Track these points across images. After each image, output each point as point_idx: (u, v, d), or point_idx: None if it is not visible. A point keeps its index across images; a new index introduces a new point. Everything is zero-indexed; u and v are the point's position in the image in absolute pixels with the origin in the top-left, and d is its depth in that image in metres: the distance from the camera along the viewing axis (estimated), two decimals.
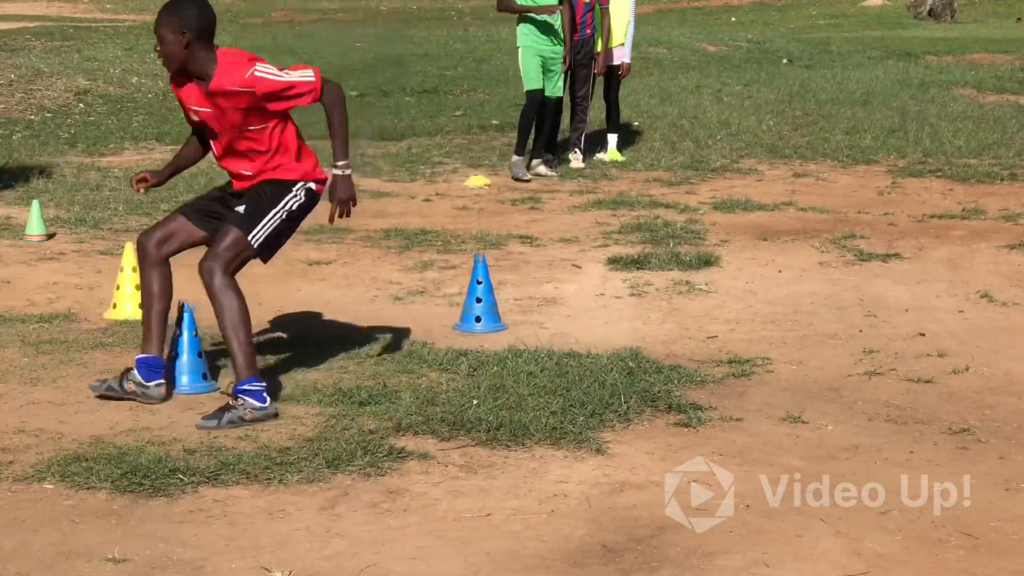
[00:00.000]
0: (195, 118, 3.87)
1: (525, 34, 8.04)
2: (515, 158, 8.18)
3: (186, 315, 4.07)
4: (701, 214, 7.42)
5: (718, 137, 10.02)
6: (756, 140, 9.95)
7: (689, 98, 12.30)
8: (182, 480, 3.21)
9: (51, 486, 3.21)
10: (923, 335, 5.00)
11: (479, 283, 5.04)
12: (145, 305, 3.99)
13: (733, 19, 24.08)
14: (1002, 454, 3.58)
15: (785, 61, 16.12)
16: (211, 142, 3.94)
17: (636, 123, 10.54)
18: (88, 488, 3.18)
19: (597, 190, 8.13)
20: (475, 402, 3.96)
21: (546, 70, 8.06)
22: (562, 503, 3.20)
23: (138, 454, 3.39)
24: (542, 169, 8.18)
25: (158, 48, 3.79)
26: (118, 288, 5.16)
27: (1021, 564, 2.74)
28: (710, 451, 3.56)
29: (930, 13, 22.80)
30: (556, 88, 8.19)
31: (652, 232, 6.84)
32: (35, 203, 6.56)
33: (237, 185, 3.96)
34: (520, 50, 8.13)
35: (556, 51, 8.06)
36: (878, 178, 8.55)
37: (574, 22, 8.20)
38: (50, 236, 6.61)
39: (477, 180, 8.23)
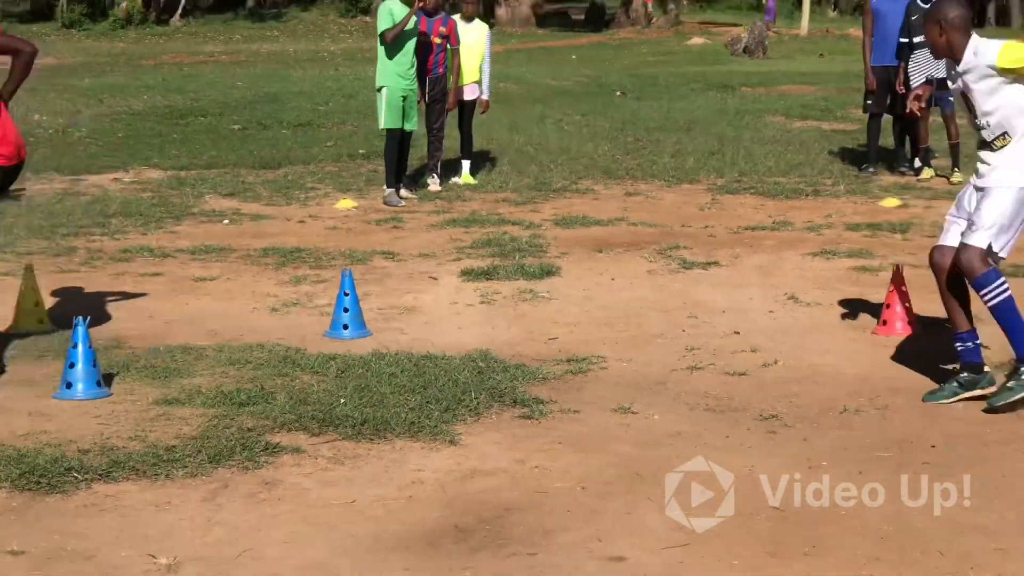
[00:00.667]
0: None
1: (386, 75, 8.44)
2: (388, 190, 8.57)
3: (80, 328, 4.26)
4: (544, 230, 7.88)
5: (559, 162, 10.65)
6: (593, 163, 10.68)
7: (534, 127, 13.21)
8: (76, 478, 3.39)
9: None
10: (738, 333, 5.43)
11: (346, 295, 5.35)
12: None
13: (574, 56, 25.90)
14: (805, 436, 3.96)
15: (619, 94, 17.32)
16: None
17: (488, 150, 11.21)
18: None
19: (452, 210, 8.55)
20: (343, 401, 4.24)
21: (405, 108, 8.50)
22: (419, 490, 3.45)
23: (36, 455, 3.56)
24: (404, 192, 8.69)
25: None
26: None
27: (822, 533, 3.11)
28: (551, 440, 3.91)
29: (745, 50, 24.79)
30: (413, 123, 8.70)
31: (500, 247, 7.26)
32: None
33: None
34: (384, 90, 8.45)
35: (413, 89, 8.60)
36: (699, 195, 9.22)
37: (426, 63, 8.89)
38: None
39: (346, 203, 8.77)
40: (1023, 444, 3.85)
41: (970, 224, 4.11)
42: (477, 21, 9.76)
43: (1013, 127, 4.06)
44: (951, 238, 4.24)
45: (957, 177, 8.87)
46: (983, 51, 4.04)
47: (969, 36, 4.12)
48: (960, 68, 4.12)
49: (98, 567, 2.79)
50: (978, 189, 4.15)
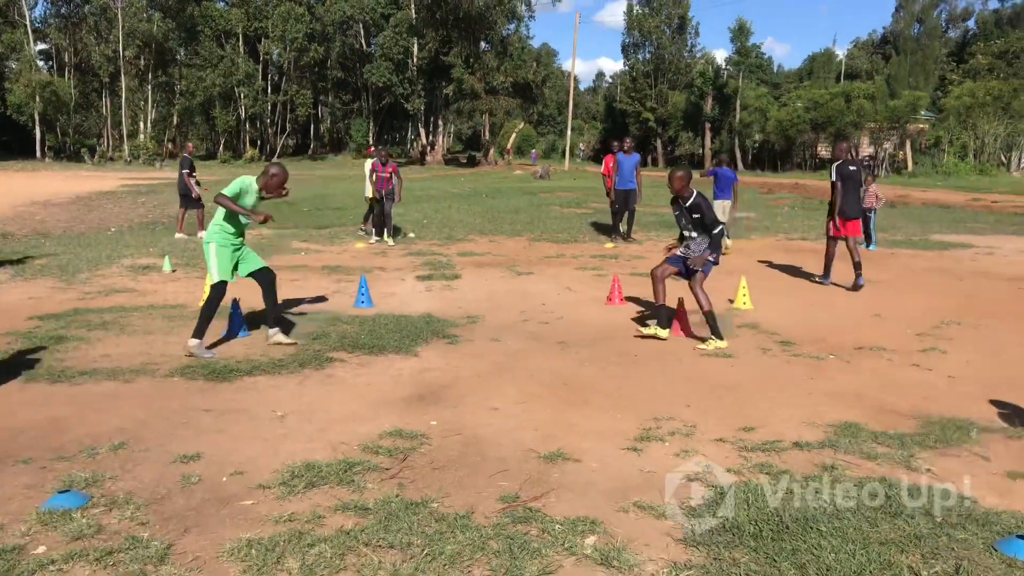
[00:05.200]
0: None
1: (218, 233, 7.55)
2: (193, 342, 7.23)
3: (235, 302, 7.76)
4: (453, 258, 13.13)
5: (457, 226, 18.55)
6: (473, 227, 18.48)
7: (445, 211, 22.55)
8: (235, 374, 6.46)
9: (177, 379, 6.25)
10: (544, 304, 9.63)
11: (363, 287, 9.38)
12: None
13: (462, 179, 44.73)
14: (578, 351, 7.44)
15: (485, 196, 29.57)
16: None
17: (424, 221, 19.60)
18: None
19: (408, 249, 14.15)
20: (362, 337, 7.56)
21: (239, 259, 7.70)
22: (400, 377, 6.53)
23: (216, 363, 6.72)
24: (280, 337, 7.56)
25: None
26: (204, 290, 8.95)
27: (589, 391, 6.17)
28: (461, 354, 7.22)
29: (540, 177, 44.72)
30: (259, 262, 7.84)
31: (433, 265, 12.17)
32: (166, 256, 12.54)
33: None
34: (214, 247, 7.52)
35: (240, 242, 7.69)
36: (523, 242, 16.14)
37: (382, 184, 15.78)
38: (173, 271, 11.95)
39: (359, 245, 15.54)
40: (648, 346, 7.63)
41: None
42: (393, 163, 16.36)
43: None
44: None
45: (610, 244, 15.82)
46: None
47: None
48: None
49: (249, 416, 5.55)
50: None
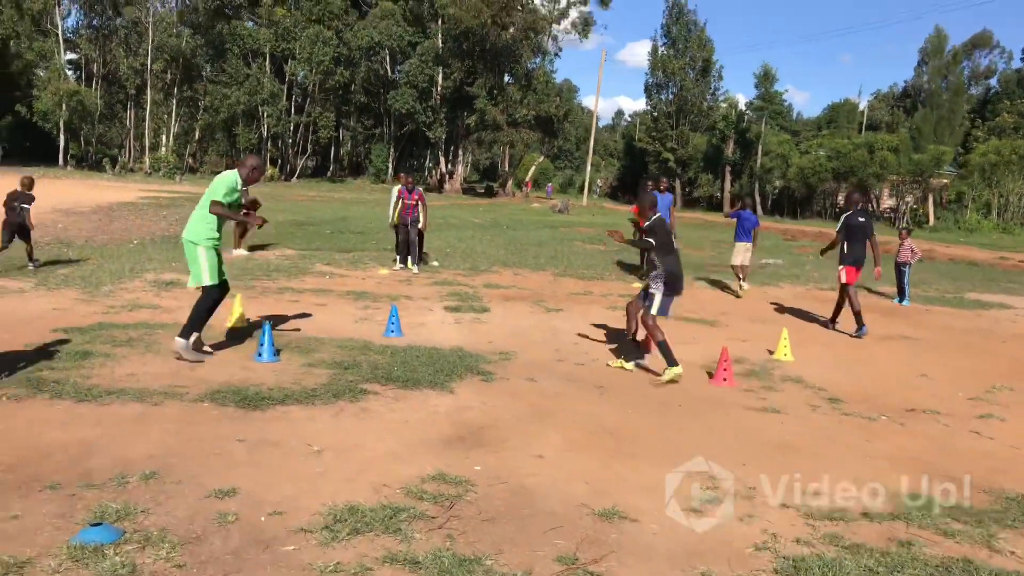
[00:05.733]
0: None
1: (207, 236, 7.68)
2: (180, 342, 7.51)
3: (267, 325, 7.82)
4: (479, 289, 12.84)
5: (480, 257, 18.28)
6: (497, 259, 18.20)
7: (468, 241, 22.33)
8: (267, 402, 6.21)
9: (206, 404, 5.99)
10: (576, 343, 9.41)
11: (393, 316, 9.14)
12: None
13: (481, 209, 43.86)
14: (620, 397, 7.08)
15: (505, 227, 29.58)
16: None
17: (447, 250, 19.34)
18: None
19: (433, 279, 13.85)
20: (395, 369, 7.33)
21: (220, 263, 7.90)
22: (437, 415, 6.26)
23: (246, 389, 6.44)
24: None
25: None
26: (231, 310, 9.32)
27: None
28: (497, 392, 6.97)
29: (559, 211, 44.41)
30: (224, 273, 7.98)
31: (460, 296, 11.85)
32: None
33: None
34: (203, 250, 7.67)
35: (219, 246, 7.85)
36: (548, 277, 15.78)
37: (406, 212, 15.65)
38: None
39: (383, 271, 15.18)
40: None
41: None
42: (419, 190, 16.20)
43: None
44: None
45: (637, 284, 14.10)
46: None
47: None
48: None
49: (284, 449, 5.31)
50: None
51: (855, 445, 6.23)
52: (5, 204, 13.55)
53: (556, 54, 71.49)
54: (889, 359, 9.80)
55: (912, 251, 15.26)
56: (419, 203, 15.60)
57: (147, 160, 60.69)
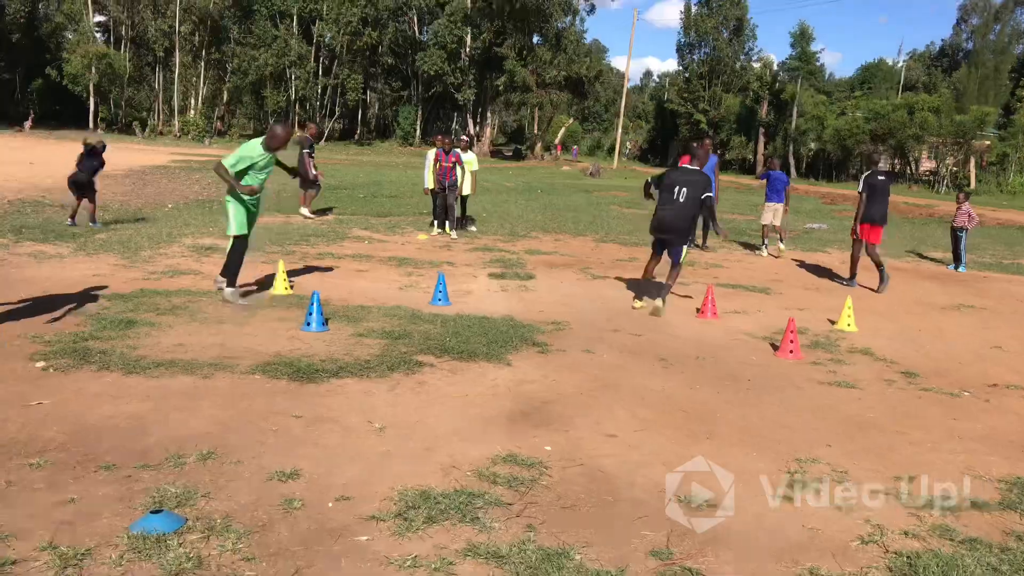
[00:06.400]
0: None
1: (229, 192, 8.34)
2: (229, 290, 8.32)
3: (316, 295, 7.27)
4: (521, 255, 12.59)
5: (519, 222, 17.87)
6: (535, 224, 17.88)
7: (503, 205, 22.23)
8: (321, 375, 5.91)
9: (258, 376, 5.79)
10: (631, 310, 9.16)
11: (440, 284, 8.86)
12: None
13: (510, 172, 44.90)
14: (683, 371, 6.76)
15: (539, 191, 29.76)
16: None
17: (483, 214, 18.58)
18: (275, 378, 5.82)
19: (472, 244, 13.62)
20: (448, 340, 7.02)
21: (251, 218, 8.48)
22: (497, 390, 5.94)
23: (298, 362, 6.22)
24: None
25: None
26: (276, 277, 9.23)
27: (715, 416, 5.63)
28: (556, 365, 6.63)
29: (591, 175, 45.01)
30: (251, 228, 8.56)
31: (503, 263, 11.64)
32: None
33: None
34: (232, 205, 8.32)
35: (256, 200, 8.50)
36: (589, 243, 15.38)
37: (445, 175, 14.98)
38: None
39: (423, 236, 14.86)
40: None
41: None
42: (470, 152, 16.50)
43: None
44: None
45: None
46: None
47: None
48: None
49: (343, 426, 5.03)
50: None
51: (941, 424, 5.86)
52: (80, 164, 13.79)
53: (588, 11, 70.07)
54: (957, 330, 9.37)
55: (970, 216, 14.69)
56: (456, 165, 15.19)
57: (176, 123, 60.66)
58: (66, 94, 60.22)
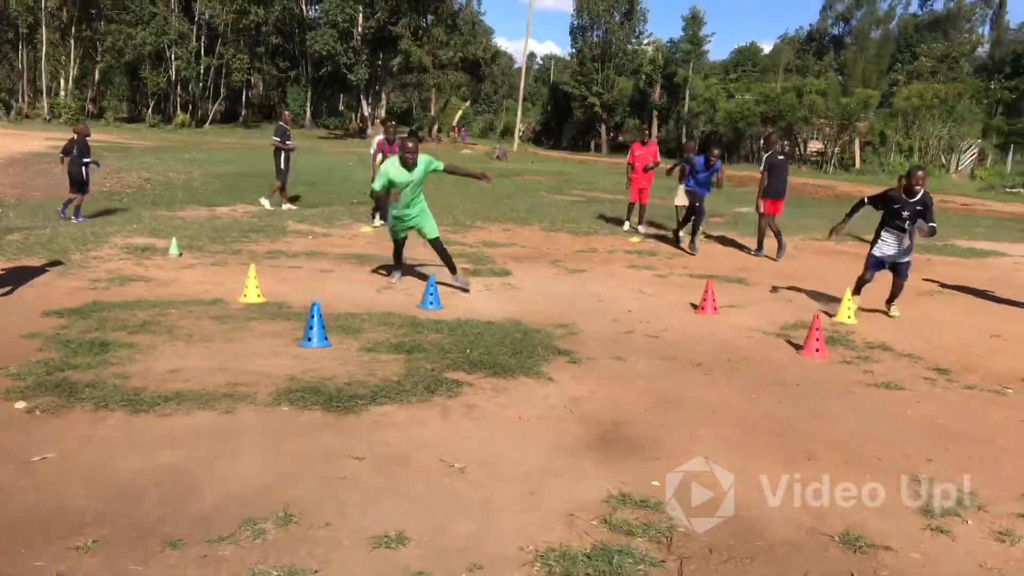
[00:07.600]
0: None
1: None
2: (464, 279, 9.19)
3: (316, 306, 6.60)
4: (479, 249, 12.18)
5: (459, 211, 16.63)
6: (476, 213, 16.77)
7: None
8: (357, 403, 5.18)
9: (286, 408, 5.00)
10: (630, 311, 8.57)
11: (431, 287, 8.15)
12: None
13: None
14: (731, 379, 6.36)
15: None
16: None
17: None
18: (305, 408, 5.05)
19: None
20: (469, 352, 6.35)
21: (412, 220, 9.19)
22: (555, 411, 5.35)
23: (323, 387, 5.44)
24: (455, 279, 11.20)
25: None
26: (246, 284, 8.04)
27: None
28: (597, 378, 6.08)
29: (498, 158, 43.56)
30: (433, 231, 9.17)
31: (468, 258, 11.30)
32: (173, 238, 10.70)
33: None
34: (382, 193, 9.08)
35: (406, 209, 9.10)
36: (538, 232, 14.74)
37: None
38: (180, 255, 10.29)
39: (367, 228, 13.86)
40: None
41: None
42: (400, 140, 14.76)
43: None
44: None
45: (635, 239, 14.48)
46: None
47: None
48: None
49: (418, 468, 4.31)
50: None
51: (1011, 426, 5.68)
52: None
53: None
54: (948, 318, 9.39)
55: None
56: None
57: (45, 105, 56.42)
58: None
